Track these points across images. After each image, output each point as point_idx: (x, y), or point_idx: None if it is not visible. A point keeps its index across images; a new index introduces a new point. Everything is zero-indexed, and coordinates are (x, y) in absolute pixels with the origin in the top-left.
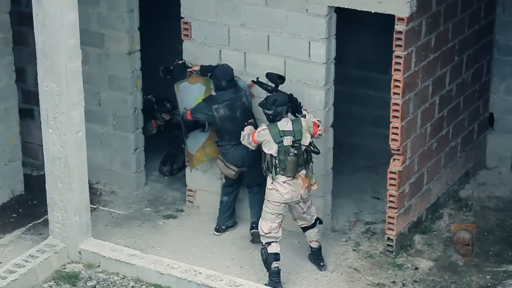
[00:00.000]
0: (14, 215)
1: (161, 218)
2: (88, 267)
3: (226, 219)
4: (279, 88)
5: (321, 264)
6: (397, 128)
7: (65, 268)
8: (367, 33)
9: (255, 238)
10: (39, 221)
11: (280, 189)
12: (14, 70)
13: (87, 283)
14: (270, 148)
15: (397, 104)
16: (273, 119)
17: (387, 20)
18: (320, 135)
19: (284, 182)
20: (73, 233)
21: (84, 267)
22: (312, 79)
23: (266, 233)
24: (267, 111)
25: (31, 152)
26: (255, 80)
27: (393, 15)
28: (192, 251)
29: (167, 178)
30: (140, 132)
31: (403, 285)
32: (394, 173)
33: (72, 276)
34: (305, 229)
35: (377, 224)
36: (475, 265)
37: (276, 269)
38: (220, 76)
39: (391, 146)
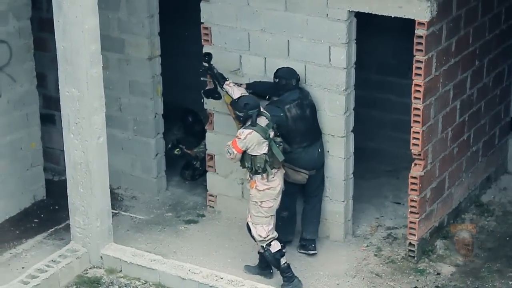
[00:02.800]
0: (36, 220)
1: (182, 223)
2: (110, 272)
3: (288, 234)
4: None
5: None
6: (418, 133)
7: (87, 273)
8: (387, 37)
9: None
10: (60, 226)
11: (272, 185)
12: (35, 76)
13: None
14: (262, 148)
15: (418, 109)
16: (244, 121)
17: (408, 25)
18: None
19: (274, 175)
20: (94, 238)
21: (106, 272)
22: (332, 84)
23: (264, 238)
24: (238, 113)
25: (53, 157)
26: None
27: (414, 19)
28: (213, 256)
29: (188, 183)
30: (161, 138)
31: None
32: (416, 178)
33: (93, 281)
34: None
35: (399, 229)
36: (497, 270)
37: (286, 264)
38: (289, 76)
39: (412, 151)
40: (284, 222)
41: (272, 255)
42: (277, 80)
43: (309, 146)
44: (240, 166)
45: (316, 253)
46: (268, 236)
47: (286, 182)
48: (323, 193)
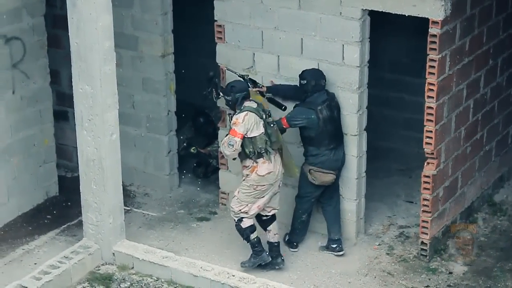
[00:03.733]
0: (48, 217)
1: (194, 220)
2: (122, 269)
3: (303, 235)
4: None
5: (282, 259)
6: (431, 131)
7: (99, 270)
8: (401, 36)
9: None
10: (73, 222)
11: (273, 169)
12: (49, 73)
13: (120, 285)
14: (260, 128)
15: (431, 108)
16: (232, 106)
17: (421, 24)
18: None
19: (274, 159)
20: (107, 235)
21: (118, 269)
22: (345, 82)
23: (235, 212)
24: (227, 97)
25: (65, 154)
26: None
27: (428, 18)
28: (225, 254)
29: (200, 181)
30: (174, 135)
31: None
32: (428, 177)
33: (105, 278)
34: (265, 223)
35: (411, 228)
36: (509, 270)
37: (256, 239)
38: (318, 77)
39: (425, 149)
40: (304, 225)
41: (243, 231)
42: (305, 82)
43: (336, 147)
44: (240, 158)
45: (344, 253)
46: (239, 211)
47: (311, 185)
48: None
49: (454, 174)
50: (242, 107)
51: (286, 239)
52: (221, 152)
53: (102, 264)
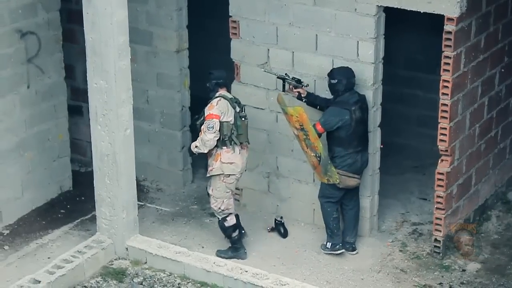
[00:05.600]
0: (62, 211)
1: (207, 215)
2: (135, 263)
3: (340, 233)
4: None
5: (243, 231)
6: (445, 129)
7: (112, 264)
8: (415, 33)
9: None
10: (86, 217)
11: (236, 160)
12: (64, 67)
13: (133, 280)
14: (230, 116)
15: (446, 105)
16: (212, 93)
17: (437, 20)
18: None
19: (239, 152)
20: (120, 230)
21: (131, 264)
22: (360, 79)
23: (223, 210)
24: (207, 84)
25: (80, 149)
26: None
27: (443, 15)
28: None
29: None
30: (187, 130)
31: (450, 287)
32: (442, 174)
33: (119, 272)
34: None
35: (424, 225)
36: None
37: (237, 237)
38: (349, 75)
39: (439, 147)
40: (337, 222)
41: (226, 228)
42: (336, 81)
43: (362, 150)
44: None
45: (357, 252)
46: (226, 209)
47: (335, 188)
48: None
49: (468, 172)
50: (216, 94)
51: (328, 246)
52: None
53: (115, 259)
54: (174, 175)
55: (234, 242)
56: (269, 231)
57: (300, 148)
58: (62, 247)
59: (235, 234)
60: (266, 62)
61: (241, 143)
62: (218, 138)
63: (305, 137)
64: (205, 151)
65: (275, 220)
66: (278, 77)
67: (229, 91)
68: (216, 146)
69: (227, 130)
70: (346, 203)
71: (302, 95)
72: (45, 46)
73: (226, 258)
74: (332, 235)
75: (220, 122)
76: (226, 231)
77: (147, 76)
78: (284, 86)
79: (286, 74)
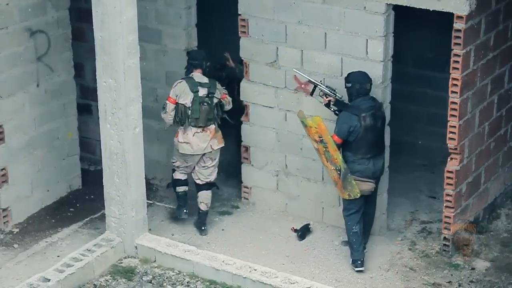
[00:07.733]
0: (71, 209)
1: (216, 214)
2: (144, 262)
3: (362, 249)
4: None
5: (203, 228)
6: (454, 127)
7: (121, 263)
8: (425, 31)
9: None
10: (96, 215)
11: (191, 141)
12: (73, 66)
13: (142, 278)
14: (185, 99)
15: (455, 103)
16: (187, 73)
17: (446, 18)
18: (226, 102)
19: (194, 134)
20: (129, 228)
21: (140, 262)
22: None
23: (174, 164)
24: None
25: (89, 147)
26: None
27: (452, 13)
28: (247, 248)
29: (222, 175)
30: None
31: (459, 285)
32: (451, 172)
33: (128, 271)
34: (198, 188)
35: (433, 224)
36: None
37: (181, 193)
38: (364, 80)
39: (448, 145)
40: (358, 237)
41: (172, 180)
42: (350, 85)
43: (374, 157)
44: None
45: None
46: (173, 163)
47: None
48: None
49: (478, 170)
50: (188, 75)
51: (351, 261)
52: (244, 146)
53: (125, 257)
54: None
55: (178, 198)
56: (294, 231)
57: (318, 156)
58: (71, 245)
59: (179, 189)
60: (275, 61)
61: (202, 127)
62: (172, 118)
63: (324, 149)
64: (166, 126)
65: (307, 224)
66: (309, 81)
67: (205, 74)
68: (177, 123)
69: (181, 113)
70: (364, 211)
71: (331, 103)
72: (54, 45)
73: (173, 217)
74: (352, 251)
75: (177, 104)
76: (173, 183)
77: (156, 75)
78: (313, 91)
79: (321, 81)
